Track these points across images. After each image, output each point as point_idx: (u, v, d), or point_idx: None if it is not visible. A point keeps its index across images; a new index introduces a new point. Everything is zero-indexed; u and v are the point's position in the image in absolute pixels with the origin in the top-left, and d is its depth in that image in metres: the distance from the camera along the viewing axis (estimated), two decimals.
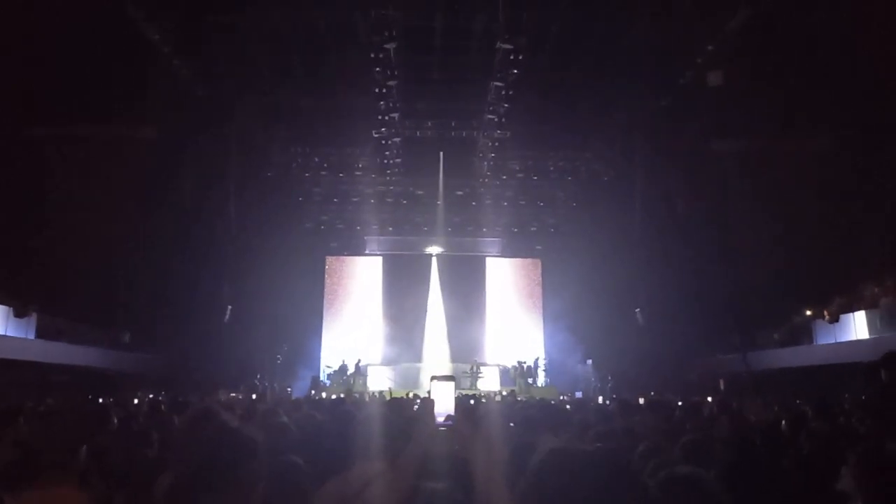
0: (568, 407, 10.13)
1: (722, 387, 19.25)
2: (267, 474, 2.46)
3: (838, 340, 16.15)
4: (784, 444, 3.89)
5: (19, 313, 15.73)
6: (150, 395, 13.54)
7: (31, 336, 16.21)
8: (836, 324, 16.38)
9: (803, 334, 17.71)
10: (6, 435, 3.49)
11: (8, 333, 15.38)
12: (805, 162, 19.10)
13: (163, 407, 6.69)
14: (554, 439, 4.04)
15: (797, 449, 3.58)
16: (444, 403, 2.29)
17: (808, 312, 17.62)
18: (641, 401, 10.75)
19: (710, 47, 17.42)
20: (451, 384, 2.35)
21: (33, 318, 16.24)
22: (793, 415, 5.89)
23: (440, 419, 2.26)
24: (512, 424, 4.00)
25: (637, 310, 22.23)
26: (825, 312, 16.73)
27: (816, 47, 15.55)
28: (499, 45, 17.01)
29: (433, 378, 2.36)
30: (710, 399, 11.93)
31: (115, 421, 4.01)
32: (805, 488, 2.67)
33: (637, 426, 3.78)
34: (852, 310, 15.94)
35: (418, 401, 9.74)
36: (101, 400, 11.01)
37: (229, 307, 21.87)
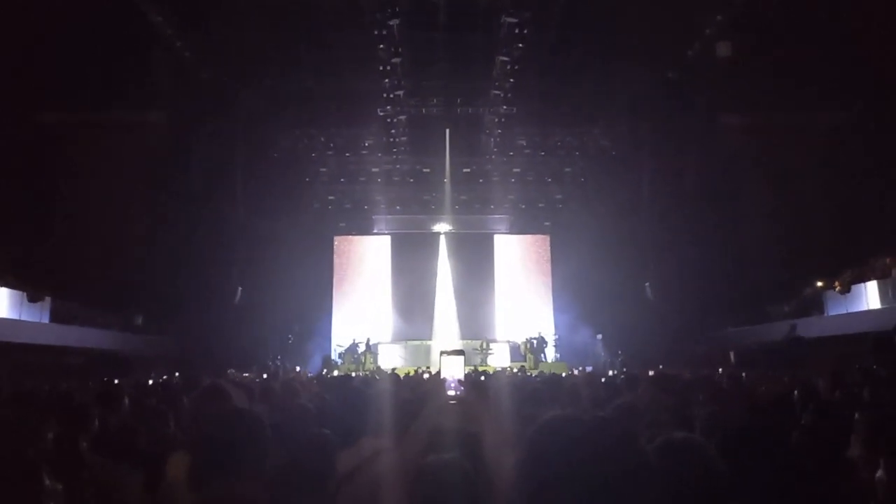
0: (577, 377, 10.17)
1: (732, 359, 19.24)
2: (286, 448, 2.49)
3: (850, 311, 16.08)
4: (793, 413, 3.88)
5: (33, 298, 15.89)
6: (164, 377, 13.69)
7: (46, 320, 16.40)
8: (847, 294, 16.29)
9: (814, 306, 17.64)
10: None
11: (23, 318, 15.57)
12: (816, 135, 18.90)
13: (174, 388, 6.76)
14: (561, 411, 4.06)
15: (806, 417, 3.57)
16: (454, 375, 2.30)
17: (819, 284, 17.53)
18: (651, 374, 10.77)
19: (718, 17, 17.14)
20: (461, 358, 2.36)
21: (47, 303, 16.41)
22: (803, 385, 5.88)
23: (450, 389, 2.27)
24: (520, 398, 4.03)
25: (646, 284, 22.19)
26: (836, 283, 16.64)
27: (830, 18, 15.27)
28: (504, 19, 16.80)
29: (443, 353, 2.38)
30: (720, 370, 11.96)
31: (127, 402, 4.06)
32: (812, 456, 2.67)
33: (639, 400, 3.79)
34: (864, 280, 15.84)
35: (426, 376, 9.82)
36: (115, 381, 11.13)
37: (239, 288, 22.01)
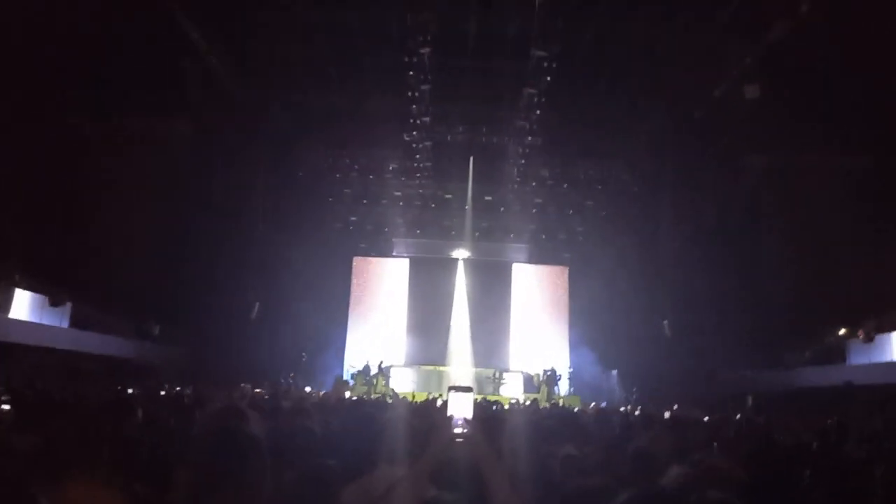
0: (591, 414, 10.02)
1: (750, 403, 18.88)
2: (288, 476, 2.48)
3: (873, 361, 15.73)
4: (812, 466, 3.79)
5: (54, 302, 16.11)
6: (178, 388, 13.75)
7: (65, 325, 16.60)
8: (870, 344, 15.96)
9: (836, 354, 17.29)
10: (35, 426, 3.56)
11: (43, 322, 15.77)
12: (840, 178, 18.72)
13: (186, 401, 6.79)
14: (572, 450, 3.99)
15: (826, 471, 3.48)
16: (462, 413, 2.27)
17: (842, 331, 17.20)
18: (667, 415, 10.62)
19: (747, 59, 17.15)
20: (470, 395, 2.33)
21: (67, 308, 16.62)
22: (822, 436, 5.75)
23: (457, 427, 2.24)
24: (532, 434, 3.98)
25: (665, 322, 21.93)
26: (860, 332, 16.32)
27: (857, 63, 15.20)
28: (533, 51, 16.97)
29: (451, 388, 2.35)
30: (738, 416, 11.73)
31: (140, 414, 4.07)
32: None
33: (656, 444, 3.73)
34: (889, 330, 15.52)
35: (439, 402, 9.74)
36: (129, 391, 11.21)
37: (257, 304, 22.11)
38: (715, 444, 4.37)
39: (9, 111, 15.09)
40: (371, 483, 2.54)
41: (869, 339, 15.97)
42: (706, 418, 10.40)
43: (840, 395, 15.72)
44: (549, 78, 17.69)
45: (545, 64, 17.22)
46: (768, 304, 18.74)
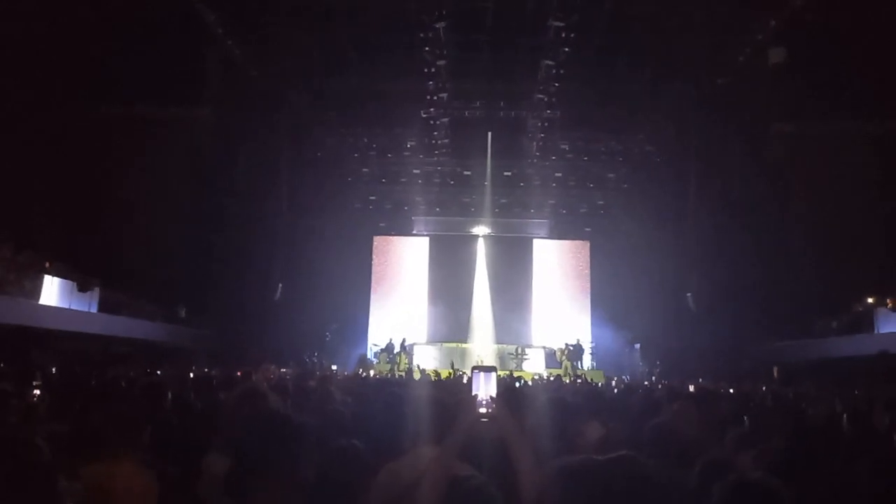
0: (614, 389, 10.03)
1: (776, 375, 18.72)
2: (318, 458, 2.50)
3: None
4: (844, 440, 3.74)
5: (83, 287, 16.39)
6: (206, 370, 13.97)
7: (94, 310, 16.89)
8: None
9: (864, 322, 17.04)
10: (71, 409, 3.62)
11: (72, 307, 16.06)
12: (868, 146, 18.28)
13: (214, 382, 6.88)
14: (598, 426, 3.98)
15: (858, 447, 3.44)
16: (486, 391, 2.27)
17: (870, 300, 16.93)
18: (691, 388, 10.57)
19: (772, 23, 16.69)
20: (493, 374, 2.32)
21: (96, 293, 16.91)
22: (853, 408, 5.68)
23: (482, 406, 2.24)
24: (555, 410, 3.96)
25: (688, 294, 21.73)
26: (888, 301, 16.05)
27: (886, 25, 14.73)
28: (550, 22, 16.66)
29: (474, 368, 2.34)
30: (764, 388, 11.65)
31: (170, 397, 4.13)
32: (868, 492, 2.56)
33: (681, 419, 3.70)
34: None
35: (465, 379, 9.79)
36: (158, 372, 11.41)
37: (280, 285, 22.34)
38: (744, 418, 4.33)
39: (36, 103, 15.29)
40: (403, 466, 2.54)
41: None
42: (731, 391, 10.34)
43: (868, 364, 15.51)
44: (567, 49, 17.38)
45: (563, 35, 16.91)
46: (795, 273, 18.46)
